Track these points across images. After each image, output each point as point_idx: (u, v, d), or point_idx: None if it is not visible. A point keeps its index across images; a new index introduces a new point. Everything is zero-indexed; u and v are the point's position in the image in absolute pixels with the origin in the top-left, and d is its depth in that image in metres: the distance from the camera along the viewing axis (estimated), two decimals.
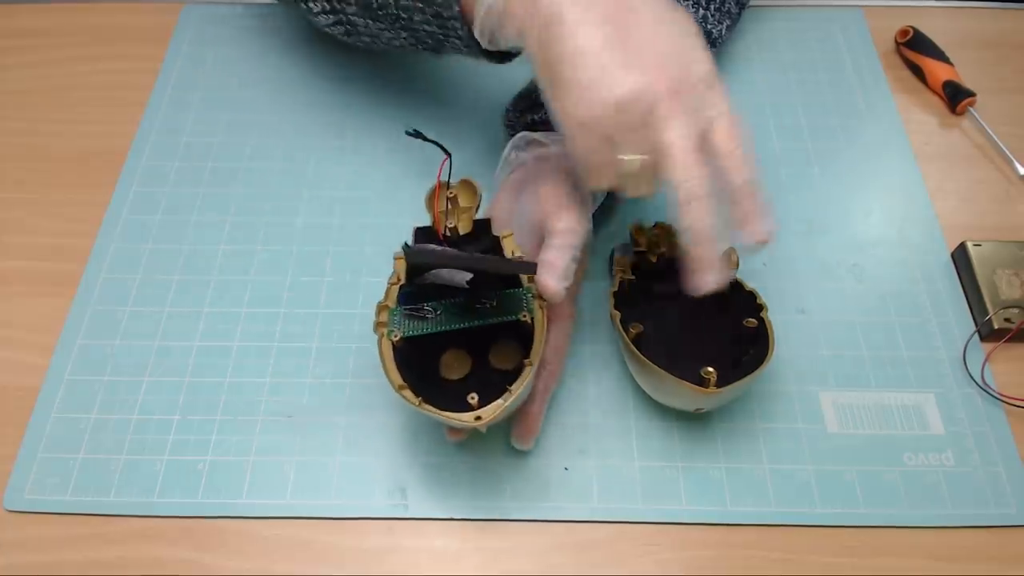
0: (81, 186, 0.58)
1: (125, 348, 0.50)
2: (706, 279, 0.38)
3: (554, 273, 0.41)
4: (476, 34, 0.43)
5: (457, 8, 0.43)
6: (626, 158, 0.37)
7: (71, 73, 0.65)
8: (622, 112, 0.36)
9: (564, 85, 0.37)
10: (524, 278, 0.42)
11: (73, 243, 0.55)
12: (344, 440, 0.47)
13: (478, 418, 0.38)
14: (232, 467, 0.46)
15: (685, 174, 0.36)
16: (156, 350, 0.50)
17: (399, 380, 0.39)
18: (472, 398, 0.38)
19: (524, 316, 0.41)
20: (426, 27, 0.46)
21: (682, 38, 0.37)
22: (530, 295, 0.42)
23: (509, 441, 0.45)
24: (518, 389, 0.38)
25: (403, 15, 0.47)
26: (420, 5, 0.45)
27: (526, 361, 0.39)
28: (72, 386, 0.49)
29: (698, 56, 0.37)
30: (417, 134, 0.45)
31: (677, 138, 0.36)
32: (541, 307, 0.41)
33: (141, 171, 0.58)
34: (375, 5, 0.47)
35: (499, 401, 0.38)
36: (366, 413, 0.47)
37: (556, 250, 0.42)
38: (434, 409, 0.38)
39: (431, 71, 0.64)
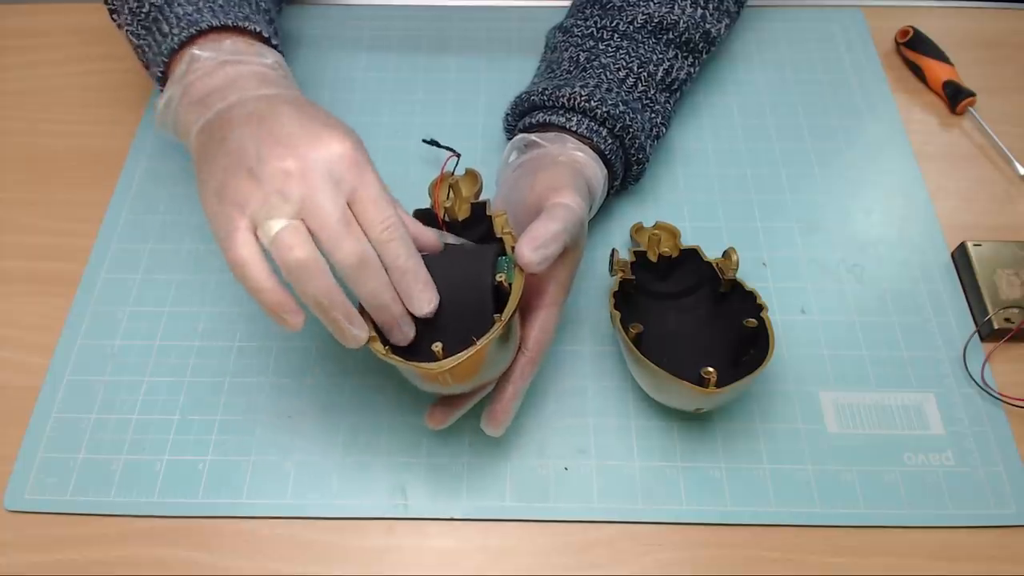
0: (81, 186, 0.58)
1: (125, 348, 0.50)
2: (393, 336, 0.40)
3: (531, 242, 0.40)
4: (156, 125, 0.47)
5: (160, 72, 0.46)
6: (271, 222, 0.37)
7: (71, 73, 0.65)
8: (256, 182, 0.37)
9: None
10: (508, 248, 0.42)
11: (73, 243, 0.55)
12: (344, 440, 0.47)
13: (441, 367, 0.38)
14: (232, 467, 0.46)
15: (330, 245, 0.37)
16: (156, 350, 0.50)
17: (371, 331, 0.40)
18: (436, 346, 0.38)
19: (499, 277, 0.41)
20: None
21: (313, 126, 0.39)
22: (512, 263, 0.41)
23: (508, 442, 0.45)
24: (484, 341, 0.38)
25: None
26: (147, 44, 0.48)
27: (496, 316, 0.39)
28: (72, 386, 0.49)
29: (333, 137, 0.38)
30: (433, 143, 0.47)
31: (317, 208, 0.37)
32: (521, 274, 0.41)
33: (141, 171, 0.58)
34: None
35: (463, 352, 0.38)
36: (366, 413, 0.47)
37: (543, 220, 0.41)
38: (399, 359, 0.39)
39: (431, 71, 0.64)
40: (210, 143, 0.40)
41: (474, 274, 0.41)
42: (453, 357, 0.38)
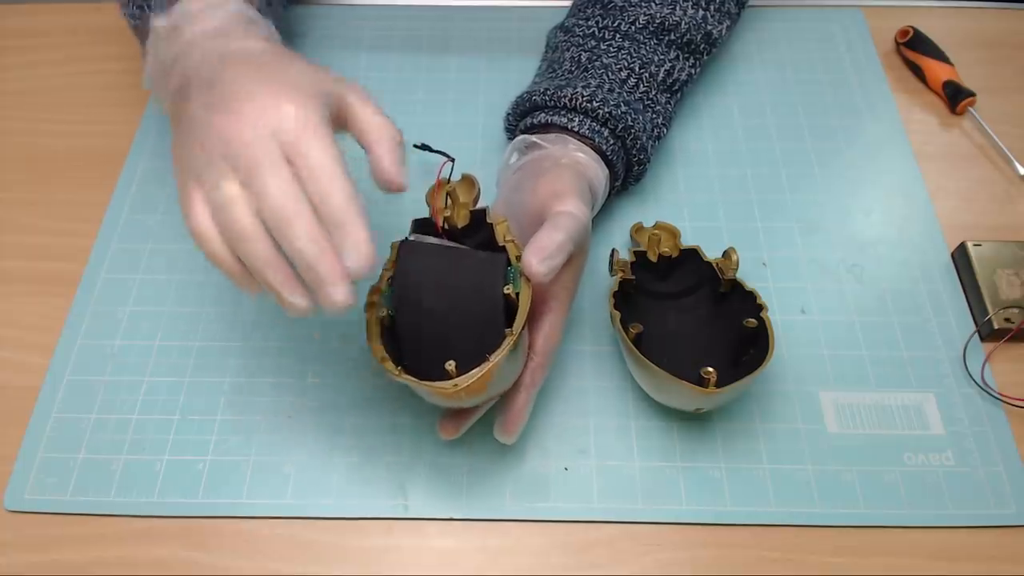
0: (81, 186, 0.58)
1: (125, 348, 0.50)
2: (320, 300, 0.36)
3: (538, 253, 0.40)
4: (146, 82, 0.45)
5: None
6: (215, 192, 0.36)
7: (71, 73, 0.65)
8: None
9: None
10: (512, 257, 0.42)
11: (73, 243, 0.55)
12: (344, 440, 0.47)
13: (455, 385, 0.37)
14: (232, 467, 0.46)
15: (259, 199, 0.35)
16: (156, 350, 0.50)
17: (382, 352, 0.39)
18: (450, 364, 0.38)
19: (507, 290, 0.40)
20: None
21: (262, 88, 0.37)
22: (518, 272, 0.41)
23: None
24: (497, 357, 0.38)
25: None
26: None
27: (507, 331, 0.39)
28: (72, 386, 0.49)
29: (280, 98, 0.36)
30: (424, 147, 0.47)
31: (256, 173, 0.35)
32: (528, 284, 0.41)
33: (141, 171, 0.58)
34: None
35: (477, 370, 0.38)
36: (366, 413, 0.47)
37: (549, 230, 0.41)
38: (413, 379, 0.38)
39: (432, 71, 0.64)
40: (175, 116, 0.40)
41: (486, 285, 0.41)
42: (467, 376, 0.38)
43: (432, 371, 0.39)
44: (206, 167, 0.36)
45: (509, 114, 0.55)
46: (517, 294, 0.40)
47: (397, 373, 0.39)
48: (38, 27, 0.68)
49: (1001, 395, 0.47)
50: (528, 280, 0.40)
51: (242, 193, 0.35)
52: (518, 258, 0.41)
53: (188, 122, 0.37)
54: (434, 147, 0.52)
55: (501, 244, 0.43)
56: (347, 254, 0.34)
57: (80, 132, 0.61)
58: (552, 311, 0.44)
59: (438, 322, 0.41)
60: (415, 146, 0.52)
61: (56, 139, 0.61)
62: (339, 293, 0.34)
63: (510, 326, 0.39)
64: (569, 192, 0.44)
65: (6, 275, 0.54)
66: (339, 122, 0.38)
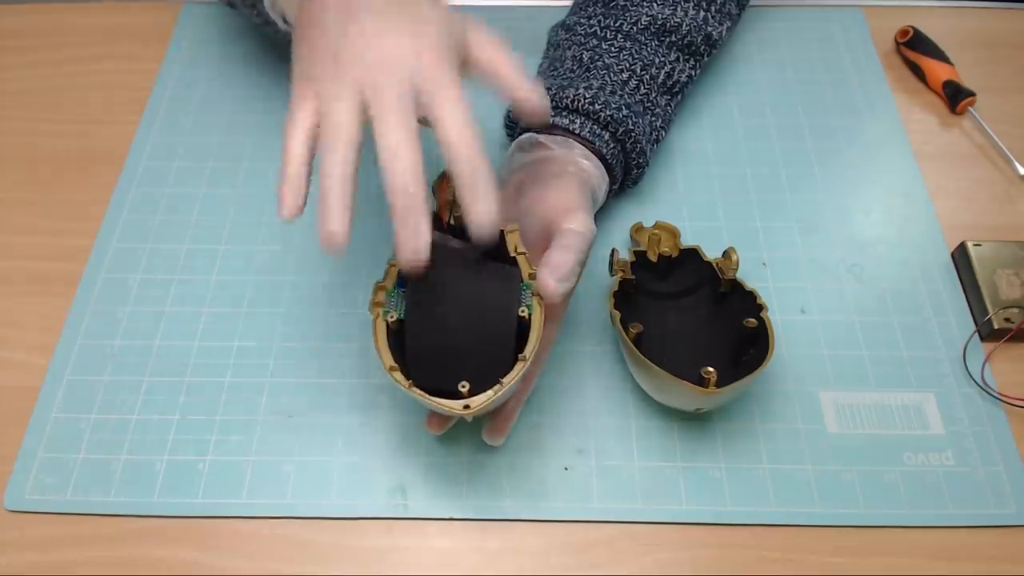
0: (81, 186, 0.58)
1: (125, 348, 0.50)
2: (401, 249, 0.36)
3: (556, 273, 0.40)
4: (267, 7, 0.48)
5: None
6: (333, 103, 0.36)
7: (71, 73, 0.65)
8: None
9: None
10: (524, 273, 0.42)
11: (73, 243, 0.55)
12: (344, 440, 0.47)
13: (467, 407, 0.38)
14: (232, 467, 0.46)
15: (378, 123, 0.35)
16: (156, 350, 0.50)
17: (390, 361, 0.39)
18: (463, 386, 0.38)
19: (522, 312, 0.41)
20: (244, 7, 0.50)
21: (400, 20, 0.37)
22: (529, 291, 0.41)
23: (508, 442, 0.45)
24: (510, 382, 0.38)
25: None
26: None
27: (520, 356, 0.39)
28: (72, 386, 0.49)
29: (418, 33, 0.37)
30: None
31: (380, 94, 0.36)
32: (540, 304, 0.41)
33: (141, 171, 0.58)
34: None
35: (490, 392, 0.38)
36: (366, 413, 0.47)
37: (562, 250, 0.42)
38: (423, 394, 0.38)
39: None
40: (306, 17, 0.40)
41: (502, 306, 0.41)
42: (480, 398, 0.38)
43: (437, 379, 0.39)
44: (333, 79, 0.36)
45: (510, 111, 0.55)
46: (529, 315, 0.40)
47: (407, 386, 0.38)
48: (38, 27, 0.68)
49: (1001, 395, 0.47)
50: (540, 301, 0.41)
51: (357, 113, 0.36)
52: (531, 276, 0.41)
53: (322, 27, 0.38)
54: None
55: (512, 255, 0.43)
56: (475, 209, 0.35)
57: (80, 132, 0.61)
58: (548, 319, 0.44)
59: (450, 335, 0.40)
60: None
61: (56, 139, 0.61)
62: (421, 248, 0.35)
63: (520, 345, 0.40)
64: (577, 207, 0.44)
65: (6, 275, 0.54)
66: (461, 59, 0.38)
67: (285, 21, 0.50)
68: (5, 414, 0.48)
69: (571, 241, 0.42)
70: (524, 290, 0.42)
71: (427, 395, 0.38)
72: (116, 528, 0.44)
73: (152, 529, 0.44)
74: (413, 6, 0.38)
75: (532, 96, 0.38)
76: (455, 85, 0.36)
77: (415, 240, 0.35)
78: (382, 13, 0.37)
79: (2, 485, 0.45)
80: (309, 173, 0.37)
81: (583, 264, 0.43)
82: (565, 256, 0.41)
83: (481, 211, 0.35)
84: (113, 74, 0.64)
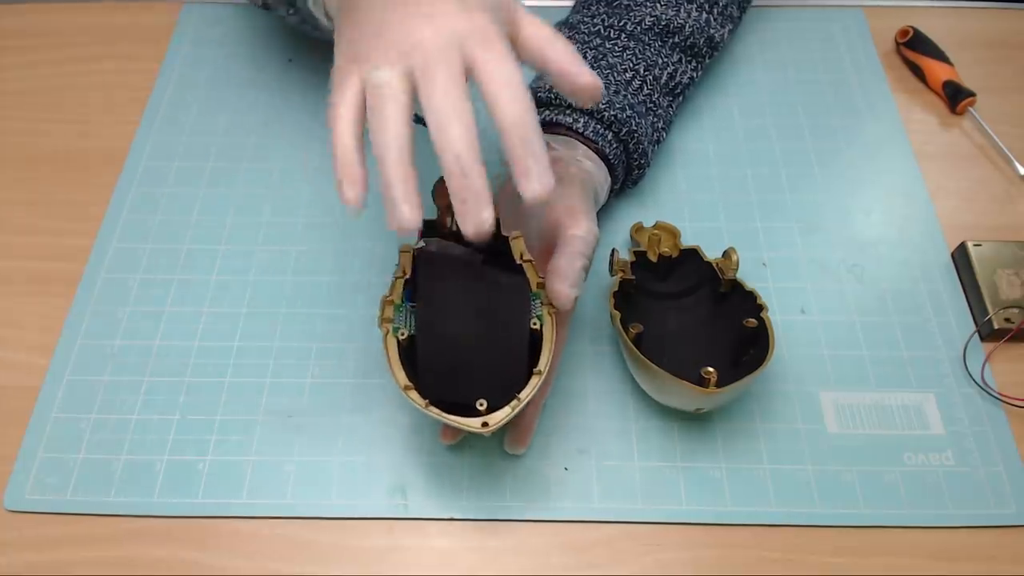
0: (81, 186, 0.58)
1: (125, 348, 0.50)
2: (464, 218, 0.35)
3: (567, 280, 0.40)
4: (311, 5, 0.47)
5: None
6: (378, 72, 0.35)
7: (71, 73, 0.65)
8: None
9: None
10: (533, 282, 0.42)
11: (73, 243, 0.55)
12: (344, 440, 0.47)
13: (485, 424, 0.38)
14: (232, 467, 0.46)
15: (426, 89, 0.34)
16: (156, 350, 0.50)
17: (405, 380, 0.39)
18: (481, 404, 0.38)
19: (534, 324, 0.40)
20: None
21: None
22: (539, 301, 0.41)
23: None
24: (527, 397, 0.38)
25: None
26: None
27: (535, 370, 0.39)
28: (72, 386, 0.49)
29: (465, 9, 0.35)
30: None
31: (429, 69, 0.34)
32: (551, 314, 0.41)
33: (141, 171, 0.58)
34: None
35: (507, 409, 0.38)
36: (366, 413, 0.47)
37: (569, 257, 0.42)
38: (441, 412, 0.38)
39: None
40: (346, 9, 0.39)
41: (514, 321, 0.40)
42: (498, 415, 0.38)
43: (451, 395, 0.39)
44: (375, 50, 0.35)
45: None
46: (540, 327, 0.40)
47: (424, 406, 0.38)
48: (38, 27, 0.68)
49: (1001, 395, 0.47)
50: (551, 311, 0.41)
51: (404, 78, 0.34)
52: (539, 284, 0.41)
53: (367, 8, 0.37)
54: None
55: (518, 262, 0.42)
56: (527, 178, 0.34)
57: (80, 132, 0.61)
58: (557, 325, 0.44)
59: (463, 351, 0.40)
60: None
61: (56, 139, 0.61)
62: (485, 220, 0.33)
63: (534, 358, 0.40)
64: (580, 211, 0.44)
65: (6, 275, 0.54)
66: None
67: (328, 16, 0.48)
68: (5, 414, 0.48)
69: (577, 247, 0.42)
70: (533, 300, 0.42)
71: (445, 413, 0.38)
72: (116, 528, 0.44)
73: (152, 529, 0.44)
74: None
75: (584, 76, 0.37)
76: (505, 48, 0.35)
77: (476, 214, 0.33)
78: None
79: (2, 485, 0.45)
80: (363, 156, 0.35)
81: (588, 268, 0.43)
82: (573, 263, 0.41)
83: (535, 187, 0.34)
84: (113, 74, 0.64)
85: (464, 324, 0.40)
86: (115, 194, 0.57)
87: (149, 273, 0.53)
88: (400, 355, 0.40)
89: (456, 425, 0.38)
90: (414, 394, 0.38)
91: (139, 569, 0.43)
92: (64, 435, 0.47)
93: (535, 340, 0.40)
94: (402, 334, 0.40)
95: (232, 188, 0.57)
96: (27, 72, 0.65)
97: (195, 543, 0.43)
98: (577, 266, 0.41)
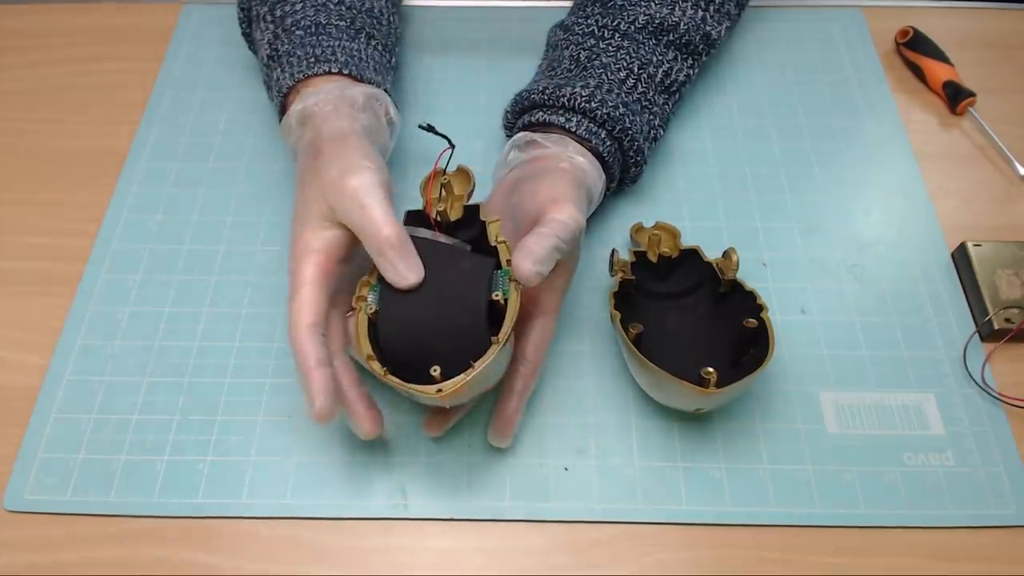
0: (81, 186, 0.58)
1: (125, 348, 0.50)
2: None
3: (531, 256, 0.40)
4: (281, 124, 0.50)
5: (279, 102, 0.51)
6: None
7: (71, 73, 0.65)
8: None
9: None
10: (503, 259, 0.42)
11: (73, 243, 0.55)
12: (344, 440, 0.47)
13: (440, 391, 0.38)
14: (232, 467, 0.46)
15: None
16: (156, 350, 0.50)
17: (368, 350, 0.39)
18: (435, 370, 0.38)
19: (496, 295, 0.40)
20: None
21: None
22: (507, 276, 0.41)
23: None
24: (481, 365, 0.38)
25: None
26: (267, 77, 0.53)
27: (493, 339, 0.39)
28: (72, 386, 0.49)
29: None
30: (429, 128, 0.46)
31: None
32: (517, 289, 0.41)
33: (141, 171, 0.58)
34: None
35: (461, 376, 0.38)
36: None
37: (539, 236, 0.41)
38: (398, 381, 0.39)
39: (432, 71, 0.64)
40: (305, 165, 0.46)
41: (470, 295, 0.41)
42: (451, 381, 0.38)
43: (417, 370, 0.39)
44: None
45: (508, 112, 0.55)
46: (506, 300, 0.40)
47: (383, 374, 0.39)
48: (38, 27, 0.68)
49: (1001, 395, 0.47)
50: (517, 285, 0.40)
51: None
52: (508, 261, 0.41)
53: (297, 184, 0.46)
54: (438, 130, 0.50)
55: (493, 244, 0.43)
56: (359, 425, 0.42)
57: (80, 132, 0.61)
58: (542, 315, 0.45)
59: (422, 323, 0.41)
60: (420, 126, 0.51)
61: (56, 139, 0.61)
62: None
63: (497, 329, 0.39)
64: (566, 199, 0.44)
65: (6, 275, 0.54)
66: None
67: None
68: (5, 414, 0.48)
69: (550, 228, 0.42)
70: (502, 276, 0.42)
71: (402, 382, 0.38)
72: (116, 528, 0.44)
73: (152, 529, 0.44)
74: (340, 159, 0.43)
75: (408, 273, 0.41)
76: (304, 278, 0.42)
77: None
78: (328, 163, 0.43)
79: (2, 485, 0.45)
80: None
81: (566, 252, 0.43)
82: (540, 241, 0.41)
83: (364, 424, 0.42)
84: (113, 74, 0.64)
85: (423, 299, 0.41)
86: (115, 194, 0.57)
87: (149, 273, 0.53)
88: (369, 332, 0.40)
89: (411, 392, 0.38)
90: (375, 364, 0.39)
91: (139, 569, 0.43)
92: (64, 435, 0.47)
93: (500, 314, 0.40)
94: (371, 309, 0.41)
95: (232, 188, 0.57)
96: (27, 72, 0.65)
97: (195, 543, 0.43)
98: (544, 244, 0.41)
